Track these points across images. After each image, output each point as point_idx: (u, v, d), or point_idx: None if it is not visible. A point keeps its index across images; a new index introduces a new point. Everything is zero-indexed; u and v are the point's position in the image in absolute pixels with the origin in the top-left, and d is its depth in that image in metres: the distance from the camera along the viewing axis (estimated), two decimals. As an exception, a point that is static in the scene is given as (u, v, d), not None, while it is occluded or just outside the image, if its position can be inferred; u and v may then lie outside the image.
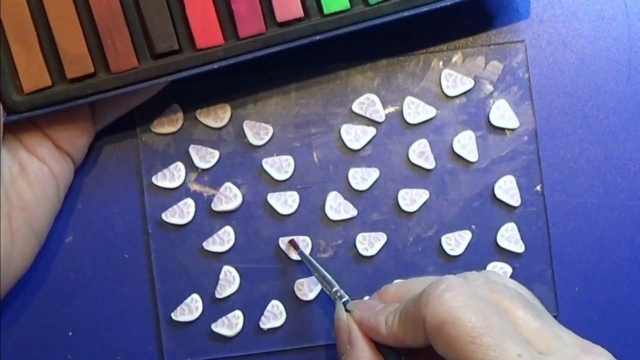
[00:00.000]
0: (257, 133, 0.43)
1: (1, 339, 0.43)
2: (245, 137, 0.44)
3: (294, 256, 0.43)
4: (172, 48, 0.39)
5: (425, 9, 0.39)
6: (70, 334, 0.43)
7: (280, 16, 0.39)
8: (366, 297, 0.43)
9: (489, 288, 0.34)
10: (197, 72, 0.39)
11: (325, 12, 0.39)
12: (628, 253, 0.43)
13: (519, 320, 0.33)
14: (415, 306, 0.33)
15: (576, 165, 0.44)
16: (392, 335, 0.35)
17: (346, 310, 0.38)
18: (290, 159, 0.43)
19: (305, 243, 0.43)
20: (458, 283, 0.33)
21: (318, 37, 0.39)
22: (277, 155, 0.43)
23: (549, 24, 0.44)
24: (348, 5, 0.39)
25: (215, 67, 0.39)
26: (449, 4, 0.39)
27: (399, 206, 0.43)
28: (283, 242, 0.43)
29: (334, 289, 0.40)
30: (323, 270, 0.41)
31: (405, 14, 0.39)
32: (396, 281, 0.43)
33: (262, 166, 0.43)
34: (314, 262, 0.41)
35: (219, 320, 0.43)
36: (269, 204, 0.43)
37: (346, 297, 0.39)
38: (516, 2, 0.44)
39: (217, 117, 0.43)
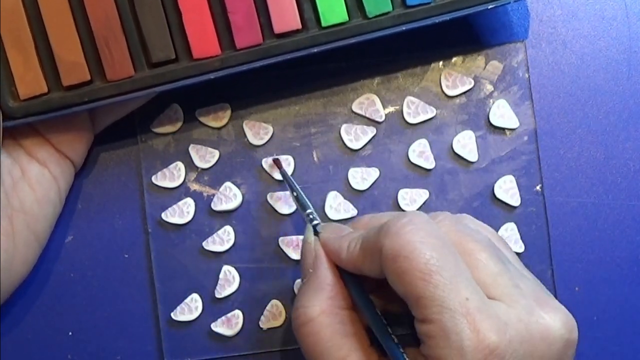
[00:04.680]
0: (257, 133, 0.43)
1: (1, 338, 0.43)
2: (245, 136, 0.43)
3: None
4: (169, 57, 0.39)
5: (423, 23, 0.39)
6: (70, 334, 0.43)
7: (278, 28, 0.39)
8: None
9: (455, 229, 0.34)
10: (193, 81, 0.39)
11: (323, 24, 0.39)
12: (628, 253, 0.43)
13: (479, 263, 0.33)
14: (375, 235, 0.33)
15: (576, 165, 0.44)
16: (351, 261, 0.35)
17: (316, 234, 0.38)
18: (290, 158, 0.43)
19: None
20: (422, 219, 0.33)
21: (315, 50, 0.39)
22: (277, 155, 0.43)
23: (549, 24, 0.44)
24: (346, 17, 0.39)
25: (212, 77, 0.39)
26: (447, 19, 0.39)
27: (399, 206, 0.43)
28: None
29: (307, 211, 0.39)
30: (300, 191, 0.41)
31: (404, 28, 0.39)
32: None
33: (262, 166, 0.43)
34: (294, 182, 0.41)
35: (219, 320, 0.43)
36: (269, 203, 0.43)
37: (318, 221, 0.39)
38: (516, 3, 0.44)
39: (217, 117, 0.43)
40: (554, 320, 0.33)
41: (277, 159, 0.43)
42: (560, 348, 0.32)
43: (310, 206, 0.40)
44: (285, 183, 0.42)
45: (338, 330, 0.34)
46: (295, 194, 0.41)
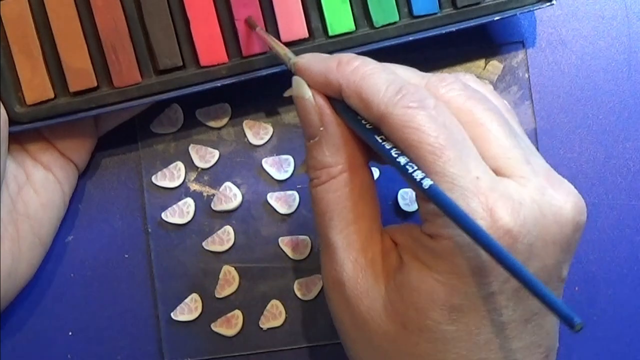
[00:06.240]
0: (257, 133, 0.43)
1: (1, 338, 0.43)
2: (245, 136, 0.43)
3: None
4: (176, 65, 0.39)
5: (429, 34, 0.40)
6: (70, 334, 0.43)
7: (285, 36, 0.39)
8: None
9: (465, 94, 0.32)
10: (200, 89, 0.39)
11: (330, 33, 0.40)
12: (628, 253, 0.44)
13: (489, 135, 0.31)
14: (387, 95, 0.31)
15: (576, 165, 0.44)
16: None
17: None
18: (290, 158, 0.43)
19: (305, 242, 0.43)
20: (425, 95, 0.31)
21: (322, 58, 0.39)
22: (277, 155, 0.43)
23: (549, 24, 0.44)
24: (353, 27, 0.40)
25: (219, 85, 0.39)
26: (453, 29, 0.40)
27: (399, 206, 0.43)
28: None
29: (290, 59, 0.35)
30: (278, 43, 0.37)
31: (410, 38, 0.40)
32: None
33: (262, 166, 0.43)
34: (271, 38, 0.38)
35: (219, 320, 0.43)
36: (269, 203, 0.43)
37: (294, 58, 0.35)
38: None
39: (217, 117, 0.44)
40: (566, 202, 0.31)
41: (249, 18, 0.39)
42: (571, 231, 0.31)
43: (286, 49, 0.36)
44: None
45: (356, 191, 0.33)
46: (272, 45, 0.37)
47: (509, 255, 0.27)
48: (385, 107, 0.30)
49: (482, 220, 0.29)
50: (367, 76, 0.32)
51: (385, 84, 0.31)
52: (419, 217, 0.32)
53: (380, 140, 0.31)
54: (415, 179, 0.29)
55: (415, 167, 0.30)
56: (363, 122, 0.32)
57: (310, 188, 0.34)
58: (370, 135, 0.32)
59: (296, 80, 0.34)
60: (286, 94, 0.35)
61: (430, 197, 0.29)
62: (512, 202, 0.29)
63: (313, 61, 0.34)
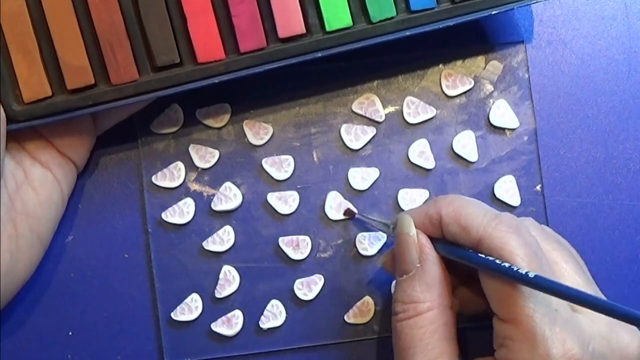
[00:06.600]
0: (257, 133, 0.43)
1: (1, 338, 0.43)
2: (245, 136, 0.44)
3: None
4: (173, 61, 0.39)
5: (427, 29, 0.40)
6: (70, 334, 0.43)
7: (282, 32, 0.39)
8: (367, 297, 0.43)
9: (541, 236, 0.36)
10: (197, 85, 0.39)
11: (328, 29, 0.40)
12: (628, 253, 0.44)
13: (564, 272, 0.35)
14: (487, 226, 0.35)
15: (576, 165, 0.44)
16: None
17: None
18: (290, 158, 0.43)
19: (305, 242, 0.43)
20: (520, 224, 0.35)
21: (320, 54, 0.39)
22: (277, 155, 0.43)
23: (549, 24, 0.44)
24: (350, 22, 0.40)
25: (216, 81, 0.39)
26: (451, 24, 0.40)
27: (399, 206, 0.43)
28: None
29: (390, 224, 0.40)
30: (375, 218, 0.42)
31: (407, 33, 0.40)
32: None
33: (262, 166, 0.43)
34: (368, 216, 0.43)
35: (219, 320, 0.43)
36: (269, 203, 0.43)
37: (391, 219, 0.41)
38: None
39: (217, 117, 0.44)
40: (632, 341, 0.34)
41: (348, 209, 0.43)
42: None
43: (386, 219, 0.41)
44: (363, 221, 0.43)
45: (440, 329, 0.36)
46: (374, 224, 0.42)
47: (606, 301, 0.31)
48: (484, 230, 0.34)
49: (555, 349, 0.32)
50: (465, 205, 0.36)
51: (483, 210, 0.36)
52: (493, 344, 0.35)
53: (483, 255, 0.35)
54: (522, 274, 0.32)
55: (519, 267, 0.33)
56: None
57: (394, 322, 0.37)
58: (473, 253, 0.35)
59: (403, 217, 0.38)
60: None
61: (537, 285, 0.32)
62: (584, 335, 0.33)
63: (412, 208, 0.39)
